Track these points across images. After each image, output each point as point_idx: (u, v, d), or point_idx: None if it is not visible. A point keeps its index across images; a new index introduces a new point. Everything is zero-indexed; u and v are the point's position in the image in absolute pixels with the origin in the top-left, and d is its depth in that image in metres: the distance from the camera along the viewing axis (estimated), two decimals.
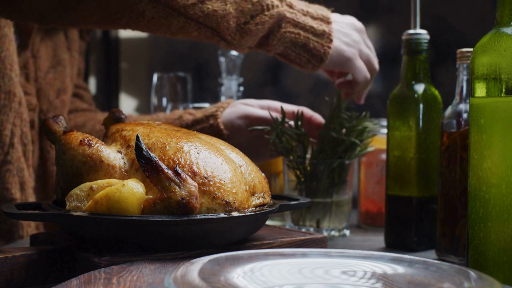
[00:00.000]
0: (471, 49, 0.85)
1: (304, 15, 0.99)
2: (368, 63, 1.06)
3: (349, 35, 1.03)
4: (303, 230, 1.02)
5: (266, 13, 0.95)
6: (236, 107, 1.08)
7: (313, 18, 1.00)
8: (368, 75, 1.06)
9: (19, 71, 1.17)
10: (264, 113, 1.05)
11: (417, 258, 0.63)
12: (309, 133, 1.06)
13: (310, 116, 1.07)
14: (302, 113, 1.04)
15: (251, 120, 1.05)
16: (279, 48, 0.98)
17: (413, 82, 0.96)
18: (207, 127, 1.07)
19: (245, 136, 1.07)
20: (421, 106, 0.94)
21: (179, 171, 0.69)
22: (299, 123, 1.03)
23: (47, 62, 1.22)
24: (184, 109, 1.35)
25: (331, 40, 1.00)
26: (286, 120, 1.04)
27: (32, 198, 1.10)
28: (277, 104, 1.09)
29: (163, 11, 0.90)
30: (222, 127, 1.05)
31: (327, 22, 1.01)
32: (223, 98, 1.31)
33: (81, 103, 1.35)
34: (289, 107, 1.08)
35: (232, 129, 1.06)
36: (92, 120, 1.26)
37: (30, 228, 1.10)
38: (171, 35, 0.97)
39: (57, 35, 1.26)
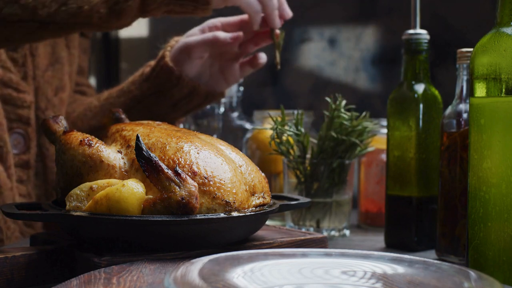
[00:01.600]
0: (471, 49, 0.85)
1: None
2: None
3: None
4: (303, 230, 1.02)
5: None
6: (178, 42, 1.09)
7: None
8: (254, 5, 1.04)
9: (17, 69, 1.17)
10: (200, 37, 1.07)
11: (417, 258, 0.63)
12: (259, 37, 1.08)
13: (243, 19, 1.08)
14: (302, 113, 1.04)
15: (190, 49, 1.07)
16: (161, 9, 0.98)
17: (413, 82, 0.96)
18: (159, 70, 1.09)
19: (198, 66, 1.10)
20: (421, 106, 0.94)
21: (179, 171, 0.69)
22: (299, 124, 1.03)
23: (45, 60, 1.22)
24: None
25: None
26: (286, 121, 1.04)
27: (9, 200, 1.09)
28: (214, 21, 1.10)
29: (32, 26, 0.91)
30: (171, 65, 1.08)
31: None
32: (223, 98, 1.31)
33: (83, 98, 1.34)
34: (230, 19, 1.09)
35: (180, 64, 1.08)
36: (81, 105, 1.26)
37: (9, 231, 1.10)
38: (54, 37, 0.99)
39: None
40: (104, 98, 1.20)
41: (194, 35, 1.10)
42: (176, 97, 1.11)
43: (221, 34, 1.05)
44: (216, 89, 1.13)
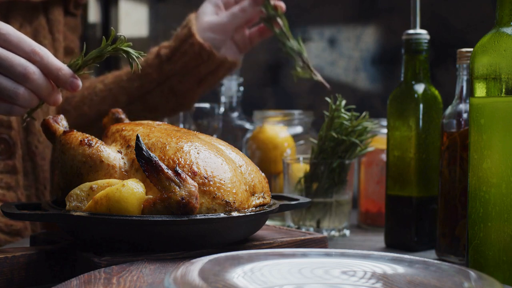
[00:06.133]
0: (471, 49, 0.85)
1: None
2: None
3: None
4: (303, 230, 1.02)
5: None
6: (201, 21, 1.11)
7: None
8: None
9: None
10: (231, 17, 1.09)
11: (417, 258, 0.63)
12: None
13: None
14: None
15: (224, 29, 1.10)
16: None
17: (413, 82, 0.96)
18: (188, 48, 1.09)
19: (224, 41, 1.12)
20: (421, 106, 0.94)
21: (179, 171, 0.69)
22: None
23: None
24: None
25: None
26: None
27: None
28: None
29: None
30: (202, 41, 1.08)
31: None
32: (223, 98, 1.31)
33: None
34: None
35: (209, 40, 1.10)
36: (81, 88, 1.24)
37: None
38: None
39: (37, 19, 1.19)
40: (111, 82, 1.18)
41: (209, 11, 1.11)
42: (202, 73, 1.13)
43: (248, 8, 1.08)
44: (230, 58, 1.15)
